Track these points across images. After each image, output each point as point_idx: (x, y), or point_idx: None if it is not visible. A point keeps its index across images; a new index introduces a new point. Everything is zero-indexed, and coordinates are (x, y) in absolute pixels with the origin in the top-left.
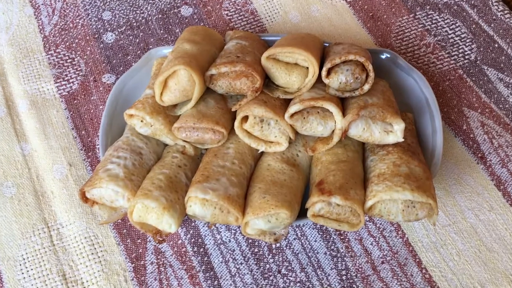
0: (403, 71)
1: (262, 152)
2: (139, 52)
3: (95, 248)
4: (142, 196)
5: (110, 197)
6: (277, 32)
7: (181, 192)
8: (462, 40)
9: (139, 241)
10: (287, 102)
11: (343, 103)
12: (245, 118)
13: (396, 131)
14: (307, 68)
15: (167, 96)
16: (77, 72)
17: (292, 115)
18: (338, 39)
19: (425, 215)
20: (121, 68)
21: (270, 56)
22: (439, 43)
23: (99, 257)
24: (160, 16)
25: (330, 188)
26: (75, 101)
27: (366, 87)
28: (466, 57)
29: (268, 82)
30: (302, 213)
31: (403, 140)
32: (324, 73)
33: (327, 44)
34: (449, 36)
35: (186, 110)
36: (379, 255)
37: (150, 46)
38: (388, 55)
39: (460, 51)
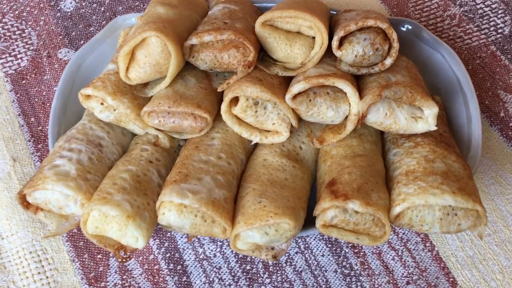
0: (429, 45)
1: (256, 144)
2: (104, 22)
3: (42, 266)
4: (99, 201)
5: (58, 201)
6: None
7: (151, 195)
8: (493, 11)
9: (99, 256)
10: (287, 81)
11: (358, 83)
12: (235, 101)
13: (427, 117)
14: (313, 38)
15: (134, 72)
16: (27, 46)
17: (294, 97)
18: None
19: (469, 226)
20: (82, 42)
21: (267, 22)
22: (466, 14)
23: (47, 277)
24: None
25: (346, 190)
26: (24, 81)
27: (389, 61)
28: (499, 31)
29: (263, 55)
30: (308, 221)
31: (435, 128)
32: (335, 43)
33: (335, 13)
34: (478, 7)
35: (159, 90)
36: (403, 274)
37: (119, 16)
38: (410, 26)
39: (492, 24)
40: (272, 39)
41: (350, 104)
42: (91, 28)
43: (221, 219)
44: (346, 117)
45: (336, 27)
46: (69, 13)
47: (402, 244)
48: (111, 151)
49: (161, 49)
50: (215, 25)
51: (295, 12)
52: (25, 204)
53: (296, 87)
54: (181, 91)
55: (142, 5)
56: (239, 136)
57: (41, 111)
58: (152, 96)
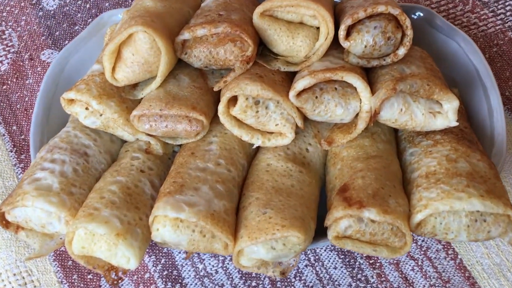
0: (443, 33)
1: (258, 148)
2: (90, 20)
3: None
4: (85, 218)
5: (39, 219)
6: None
7: (144, 209)
8: None
9: (89, 277)
10: (291, 77)
11: (368, 76)
12: (234, 100)
13: (446, 112)
14: (317, 28)
15: (122, 72)
16: (7, 49)
17: (299, 94)
18: None
19: (500, 233)
20: (66, 42)
21: (266, 12)
22: None
23: None
24: None
25: (360, 197)
26: (4, 87)
27: (402, 51)
28: None
29: (263, 49)
30: (318, 231)
31: (456, 124)
32: (342, 33)
33: (339, 1)
34: None
35: (150, 92)
36: (424, 285)
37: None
38: (422, 13)
39: (508, 8)
40: (272, 31)
41: (360, 100)
42: (76, 27)
43: (222, 234)
44: (357, 115)
45: (342, 15)
46: (52, 12)
47: (422, 252)
48: (99, 160)
49: (149, 46)
50: (209, 18)
51: (296, 0)
52: (4, 223)
53: (300, 83)
54: (173, 91)
55: (130, 1)
56: (239, 139)
57: (24, 119)
58: (142, 98)
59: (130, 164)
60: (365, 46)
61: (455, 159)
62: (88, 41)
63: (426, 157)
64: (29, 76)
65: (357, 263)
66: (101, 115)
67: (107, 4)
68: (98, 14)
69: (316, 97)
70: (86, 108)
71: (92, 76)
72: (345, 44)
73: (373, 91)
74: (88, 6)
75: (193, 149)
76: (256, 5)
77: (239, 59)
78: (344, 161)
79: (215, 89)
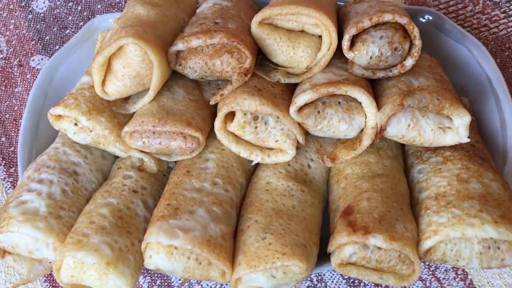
0: (452, 38)
1: (258, 164)
2: (81, 23)
3: None
4: (73, 246)
5: (26, 245)
6: None
7: (136, 233)
8: None
9: None
10: (291, 89)
11: (374, 88)
12: (231, 115)
13: (457, 128)
14: (320, 36)
15: (112, 86)
16: None
17: (300, 109)
18: None
19: None
20: (57, 47)
21: (265, 20)
22: None
23: None
24: None
25: (365, 222)
26: None
27: (410, 62)
28: None
29: (262, 59)
30: (321, 253)
31: (468, 140)
32: (346, 43)
33: (342, 4)
34: None
35: (142, 106)
36: None
37: (97, 15)
38: (430, 17)
39: None
40: (271, 41)
41: (366, 115)
42: (67, 31)
43: (219, 261)
44: (362, 130)
45: (346, 22)
46: (42, 14)
47: (430, 272)
48: (89, 179)
49: (141, 59)
50: (204, 27)
51: (297, 8)
52: None
53: (301, 98)
54: (167, 105)
55: (123, 2)
56: (237, 155)
57: (13, 129)
58: (134, 112)
59: (122, 183)
60: (371, 57)
61: (467, 179)
62: (78, 48)
63: (435, 176)
64: (18, 83)
65: (361, 284)
66: (91, 131)
67: (99, 6)
68: (90, 17)
69: (319, 112)
70: (75, 124)
71: (81, 89)
72: (349, 55)
73: (378, 105)
74: (79, 8)
75: (188, 166)
76: (255, 10)
77: (236, 71)
78: (348, 180)
79: (211, 102)
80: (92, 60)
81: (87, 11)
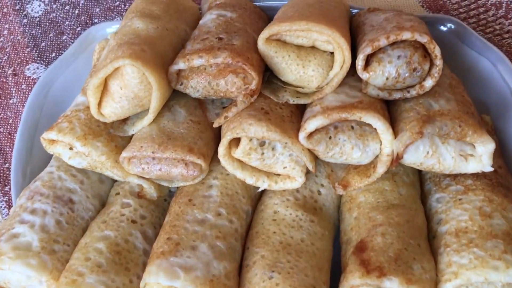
0: (474, 49)
1: (264, 189)
2: (79, 29)
3: None
4: (68, 287)
5: (19, 282)
6: None
7: (135, 269)
8: None
9: None
10: (301, 109)
11: (390, 109)
12: (236, 140)
13: (480, 156)
14: (332, 53)
15: (109, 108)
16: None
17: (311, 134)
18: (367, 2)
19: None
20: (54, 55)
21: (272, 36)
22: None
23: None
24: None
25: (380, 261)
26: None
27: (429, 83)
28: None
29: (269, 76)
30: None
31: (491, 169)
32: (361, 62)
33: (355, 11)
34: None
35: (141, 128)
36: None
37: (95, 20)
38: (452, 26)
39: None
40: (279, 59)
41: (381, 141)
42: (64, 37)
43: None
44: (377, 156)
45: (360, 36)
46: (37, 19)
47: None
48: (85, 207)
49: (139, 80)
50: (207, 43)
51: (307, 24)
52: None
53: (312, 124)
54: (168, 128)
55: (123, 6)
56: (242, 181)
57: (8, 144)
58: (133, 135)
59: (120, 213)
60: (387, 78)
61: (490, 214)
62: (75, 59)
63: (455, 207)
64: (13, 94)
65: None
66: (86, 155)
67: (97, 10)
68: (87, 21)
69: (330, 138)
70: (70, 148)
71: (76, 111)
72: (363, 75)
73: (395, 129)
74: (77, 12)
75: (191, 194)
76: (263, 18)
77: (241, 92)
78: (361, 209)
79: (215, 125)
80: (88, 74)
81: (85, 15)
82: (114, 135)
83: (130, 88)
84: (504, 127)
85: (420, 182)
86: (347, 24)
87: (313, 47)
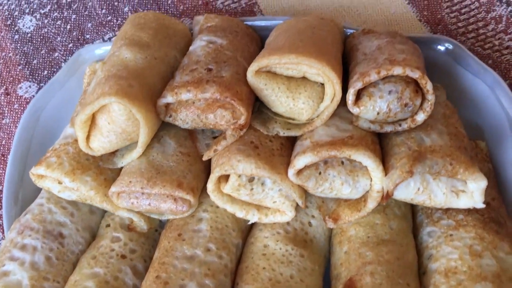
0: (471, 71)
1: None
2: (71, 45)
3: None
4: None
5: None
6: (273, 6)
7: None
8: None
9: None
10: (291, 141)
11: (381, 141)
12: (225, 175)
13: (472, 192)
14: (322, 84)
15: (97, 142)
16: None
17: (300, 170)
18: (363, 14)
19: None
20: (46, 73)
21: (262, 69)
22: None
23: None
24: None
25: None
26: None
27: (421, 117)
28: None
29: (260, 106)
30: None
31: (483, 206)
32: (351, 97)
33: (350, 31)
34: None
35: (131, 161)
36: None
37: (87, 36)
38: (450, 46)
39: None
40: (269, 91)
41: (371, 178)
42: (56, 54)
43: None
44: (367, 191)
45: (353, 64)
46: (29, 35)
47: None
48: (76, 241)
49: (126, 117)
50: (195, 75)
51: (297, 58)
52: None
53: (301, 161)
54: (157, 161)
55: (115, 20)
56: (232, 214)
57: (1, 166)
58: (122, 167)
59: (110, 248)
60: (378, 113)
61: (480, 253)
62: (65, 82)
63: (446, 243)
64: (6, 114)
65: None
66: (76, 190)
67: (89, 25)
68: (79, 37)
69: (320, 173)
70: (59, 182)
71: (64, 145)
72: (354, 110)
73: (385, 164)
74: (68, 27)
75: (180, 228)
76: (256, 41)
77: (231, 125)
78: (352, 243)
79: (204, 158)
80: (78, 102)
81: (77, 30)
82: (104, 168)
83: (118, 124)
84: (500, 154)
85: (412, 213)
86: (340, 50)
87: (304, 78)
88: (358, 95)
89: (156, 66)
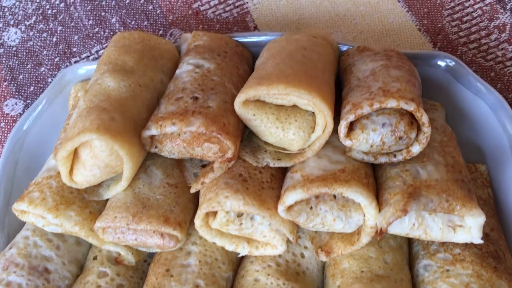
0: (472, 90)
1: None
2: (57, 59)
3: None
4: None
5: None
6: (266, 16)
7: None
8: None
9: None
10: (282, 170)
11: (376, 171)
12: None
13: (470, 227)
14: (314, 112)
15: (80, 176)
16: None
17: (291, 205)
18: (359, 23)
19: None
20: (32, 89)
21: (250, 99)
22: None
23: None
24: None
25: None
26: None
27: (417, 148)
28: None
29: (249, 133)
30: None
31: (481, 242)
32: (343, 130)
33: (345, 48)
34: None
35: (116, 194)
36: None
37: (74, 49)
38: (450, 63)
39: None
40: (258, 122)
41: (364, 214)
42: (42, 69)
43: None
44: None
45: (346, 88)
46: (14, 48)
47: None
48: (62, 275)
49: (109, 153)
50: (181, 105)
51: (286, 89)
52: None
53: (291, 197)
54: (143, 194)
55: (102, 32)
56: (221, 247)
57: None
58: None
59: (96, 285)
60: (371, 146)
61: None
62: (49, 105)
63: (442, 280)
64: None
65: None
66: (60, 225)
67: (76, 37)
68: (66, 50)
69: (311, 208)
70: (43, 217)
71: (47, 178)
72: (346, 142)
73: (379, 198)
74: (55, 39)
75: (168, 263)
76: (247, 59)
77: (218, 157)
78: (345, 278)
79: (192, 191)
80: (63, 128)
81: (63, 43)
82: (89, 200)
83: (101, 158)
84: (500, 178)
85: (409, 242)
86: (333, 72)
87: (294, 105)
88: (351, 126)
89: (140, 94)
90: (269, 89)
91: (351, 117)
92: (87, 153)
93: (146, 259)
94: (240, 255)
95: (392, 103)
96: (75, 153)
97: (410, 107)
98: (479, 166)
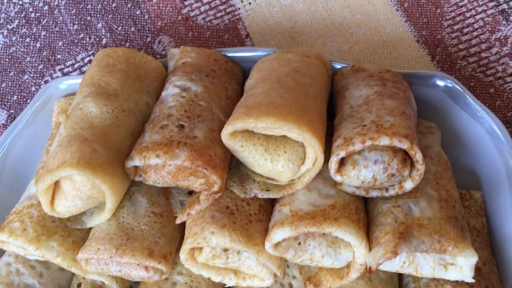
0: (469, 113)
1: None
2: (41, 67)
3: None
4: None
5: None
6: (258, 23)
7: None
8: None
9: None
10: (271, 201)
11: (367, 205)
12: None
13: (461, 267)
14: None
15: (62, 206)
16: None
17: (279, 242)
18: (356, 33)
19: None
20: (16, 98)
21: (238, 131)
22: None
23: None
24: (71, 0)
25: None
26: None
27: (409, 185)
28: None
29: (237, 161)
30: None
31: (472, 281)
32: (334, 166)
33: (339, 66)
34: None
35: (99, 223)
36: None
37: (58, 56)
38: (449, 84)
39: None
40: (246, 153)
41: (354, 252)
42: (25, 76)
43: None
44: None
45: (339, 115)
46: None
47: None
48: None
49: (90, 187)
50: (166, 134)
51: (275, 123)
52: None
53: (278, 235)
54: (127, 224)
55: (88, 39)
56: (208, 278)
57: None
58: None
59: None
60: (362, 182)
61: None
62: (32, 121)
63: None
64: None
65: None
66: (42, 256)
67: (60, 43)
68: (50, 57)
69: (299, 244)
70: (24, 248)
71: (28, 207)
72: (337, 178)
73: (369, 235)
74: (38, 45)
75: None
76: (236, 77)
77: (204, 190)
78: None
79: (177, 222)
80: (47, 144)
81: (47, 50)
82: (72, 230)
83: (83, 191)
84: (495, 206)
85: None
86: (326, 97)
87: (283, 136)
88: (342, 160)
89: (124, 120)
90: (258, 122)
91: (342, 153)
92: (68, 184)
93: (132, 286)
94: (227, 287)
95: (385, 141)
96: (57, 182)
97: (404, 145)
98: (474, 193)
